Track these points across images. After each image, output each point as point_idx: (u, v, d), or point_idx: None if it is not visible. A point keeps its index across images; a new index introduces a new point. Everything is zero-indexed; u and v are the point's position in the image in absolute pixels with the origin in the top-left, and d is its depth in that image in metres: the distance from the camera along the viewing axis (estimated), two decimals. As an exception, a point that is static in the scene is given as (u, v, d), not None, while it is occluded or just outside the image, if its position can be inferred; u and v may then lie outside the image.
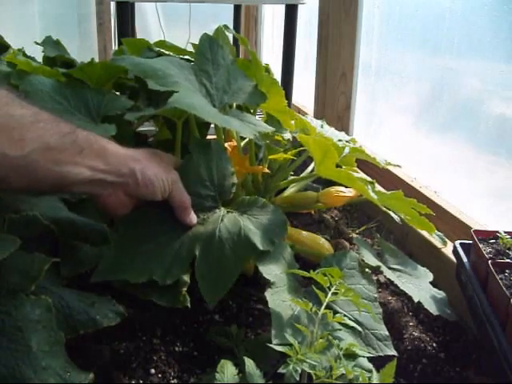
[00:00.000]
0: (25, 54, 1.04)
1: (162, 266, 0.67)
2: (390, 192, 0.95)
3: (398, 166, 1.22)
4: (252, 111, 1.06)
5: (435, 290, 0.92)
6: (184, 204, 0.73)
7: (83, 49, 2.73)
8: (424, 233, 1.06)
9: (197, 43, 0.97)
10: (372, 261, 0.86)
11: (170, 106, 0.68)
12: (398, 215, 1.00)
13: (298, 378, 0.57)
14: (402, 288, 0.85)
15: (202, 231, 0.72)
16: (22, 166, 0.56)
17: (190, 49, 1.06)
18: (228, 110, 0.85)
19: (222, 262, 0.71)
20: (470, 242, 0.83)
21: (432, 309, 0.85)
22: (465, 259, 0.83)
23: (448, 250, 0.99)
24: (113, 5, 2.46)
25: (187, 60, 1.06)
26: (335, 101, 1.63)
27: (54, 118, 0.61)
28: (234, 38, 1.47)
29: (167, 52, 1.06)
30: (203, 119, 0.88)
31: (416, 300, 0.83)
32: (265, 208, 0.80)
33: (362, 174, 1.11)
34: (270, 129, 0.81)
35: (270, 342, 0.63)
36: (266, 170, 1.00)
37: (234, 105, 1.00)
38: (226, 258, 0.71)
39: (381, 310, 0.78)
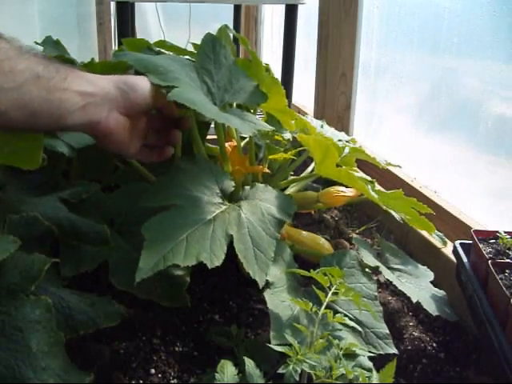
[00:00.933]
0: (25, 54, 1.04)
1: (205, 250, 0.67)
2: (390, 191, 0.95)
3: (398, 166, 1.22)
4: (252, 111, 1.06)
5: (435, 289, 0.92)
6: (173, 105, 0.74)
7: (83, 49, 2.72)
8: (424, 233, 1.06)
9: (197, 43, 0.97)
10: (371, 261, 0.86)
11: (169, 99, 0.68)
12: (399, 214, 1.00)
13: (297, 378, 0.57)
14: (400, 288, 0.85)
15: (227, 217, 0.73)
16: (18, 98, 0.57)
17: (190, 49, 1.06)
18: (228, 108, 0.85)
19: (257, 239, 0.72)
20: (470, 242, 0.83)
21: (431, 309, 0.84)
22: (465, 259, 0.83)
23: (448, 250, 0.99)
24: (113, 5, 2.46)
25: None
26: (335, 101, 1.63)
27: (32, 49, 0.62)
28: (234, 37, 1.47)
29: (167, 52, 1.06)
30: (203, 118, 0.88)
31: (414, 300, 0.83)
32: (266, 190, 0.83)
33: (362, 174, 1.11)
34: (269, 128, 0.81)
35: (270, 342, 0.64)
36: (266, 170, 1.00)
37: (235, 104, 1.00)
38: (259, 234, 0.73)
39: (381, 309, 0.78)
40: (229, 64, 0.86)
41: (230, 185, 0.81)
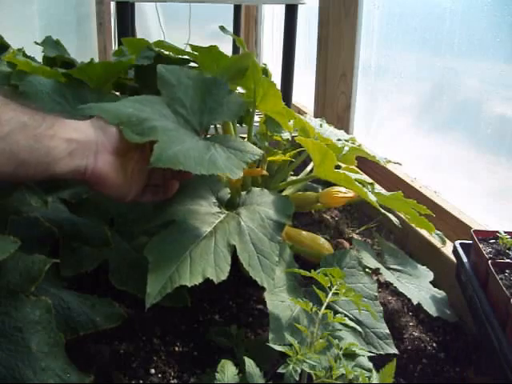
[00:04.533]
0: (25, 54, 1.04)
1: (209, 265, 0.66)
2: (389, 193, 0.95)
3: (398, 163, 1.22)
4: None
5: (435, 289, 0.92)
6: None
7: (83, 49, 2.72)
8: (424, 232, 1.06)
9: (195, 44, 0.97)
10: (372, 263, 0.86)
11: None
12: (399, 217, 1.00)
13: (297, 378, 0.57)
14: (400, 290, 0.85)
15: (227, 227, 0.72)
16: (5, 148, 0.57)
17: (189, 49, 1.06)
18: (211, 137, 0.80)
19: (260, 245, 0.72)
20: (470, 242, 0.83)
21: (432, 310, 0.85)
22: (465, 259, 0.83)
23: (448, 250, 0.99)
24: (113, 5, 2.46)
25: (186, 60, 1.06)
26: (335, 101, 1.63)
27: (17, 101, 0.62)
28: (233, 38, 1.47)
29: (166, 52, 1.06)
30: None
31: (415, 302, 0.83)
32: (263, 193, 0.82)
33: (362, 175, 1.11)
34: (258, 152, 0.78)
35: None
36: (265, 173, 1.00)
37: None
38: (261, 240, 0.72)
39: (381, 309, 0.78)
40: (194, 80, 0.82)
41: (225, 192, 0.80)
